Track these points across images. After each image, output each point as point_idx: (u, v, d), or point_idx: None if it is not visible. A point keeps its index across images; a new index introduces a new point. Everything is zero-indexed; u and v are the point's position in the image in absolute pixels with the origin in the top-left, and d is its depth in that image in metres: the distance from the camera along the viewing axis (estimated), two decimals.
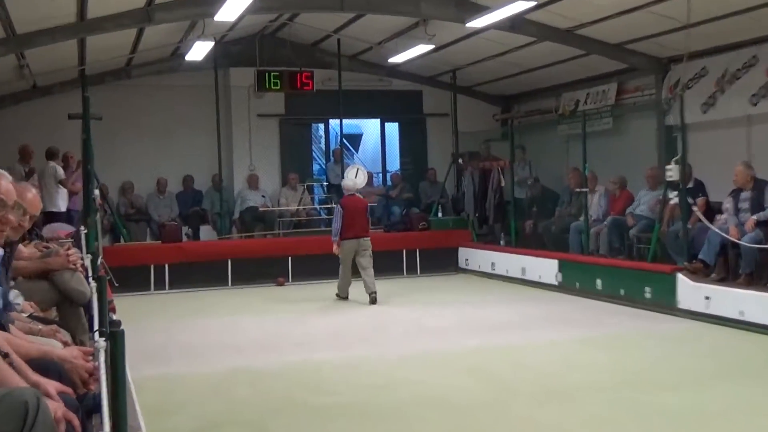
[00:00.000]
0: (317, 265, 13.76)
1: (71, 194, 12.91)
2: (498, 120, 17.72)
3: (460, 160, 16.21)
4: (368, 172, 16.31)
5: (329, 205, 15.71)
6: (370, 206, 15.84)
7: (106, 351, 3.28)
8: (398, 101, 17.32)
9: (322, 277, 13.68)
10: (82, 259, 6.02)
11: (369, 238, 11.79)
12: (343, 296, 11.87)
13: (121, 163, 15.47)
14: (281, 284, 13.68)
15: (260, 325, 10.20)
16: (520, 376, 7.07)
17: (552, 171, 15.49)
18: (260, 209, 15.38)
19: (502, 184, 14.72)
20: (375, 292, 11.44)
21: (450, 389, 6.62)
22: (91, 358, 3.54)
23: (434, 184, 16.75)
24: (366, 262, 11.58)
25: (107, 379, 3.07)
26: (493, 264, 14.23)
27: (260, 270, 13.91)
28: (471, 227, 15.44)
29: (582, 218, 12.40)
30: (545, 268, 12.71)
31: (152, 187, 15.65)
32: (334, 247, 11.69)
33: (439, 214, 15.86)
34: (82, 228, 9.79)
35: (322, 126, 17.93)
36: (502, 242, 14.55)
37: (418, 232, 15.25)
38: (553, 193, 14.62)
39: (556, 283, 12.45)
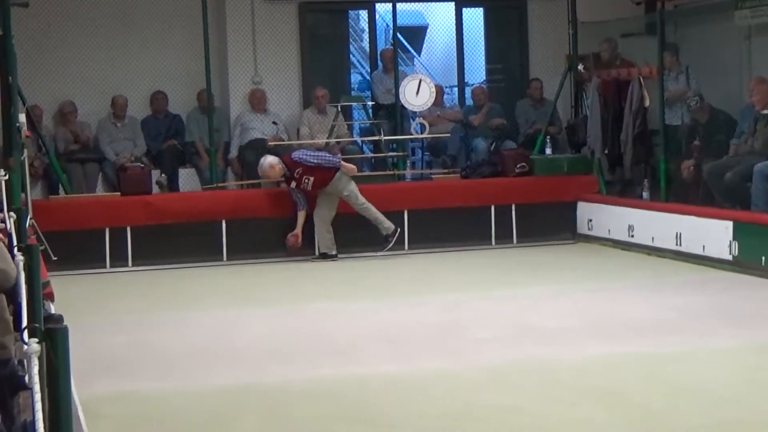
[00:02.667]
0: (356, 229, 13.82)
1: None
2: (640, 3, 17.42)
3: (581, 67, 16.02)
4: (436, 87, 16.24)
5: (375, 138, 15.65)
6: (441, 139, 15.91)
7: (40, 359, 3.30)
8: None
9: (367, 246, 13.69)
10: (2, 221, 6.08)
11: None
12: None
13: (58, 73, 15.54)
14: (294, 245, 13.74)
15: (273, 321, 10.25)
16: (675, 403, 7.03)
17: (724, 83, 15.24)
18: (270, 143, 15.39)
19: (646, 104, 14.54)
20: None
21: (565, 424, 6.60)
22: None
23: (539, 105, 16.60)
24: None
25: (43, 400, 3.09)
26: (631, 228, 14.17)
27: (270, 237, 13.96)
28: (597, 171, 15.33)
29: None
30: (712, 234, 12.62)
31: (105, 111, 15.75)
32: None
33: (548, 151, 15.73)
34: (1, 172, 9.89)
35: (365, 14, 17.83)
36: (644, 195, 14.46)
37: (514, 178, 15.17)
38: (726, 118, 14.40)
39: (729, 257, 12.36)
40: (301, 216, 13.70)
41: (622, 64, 15.24)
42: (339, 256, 13.81)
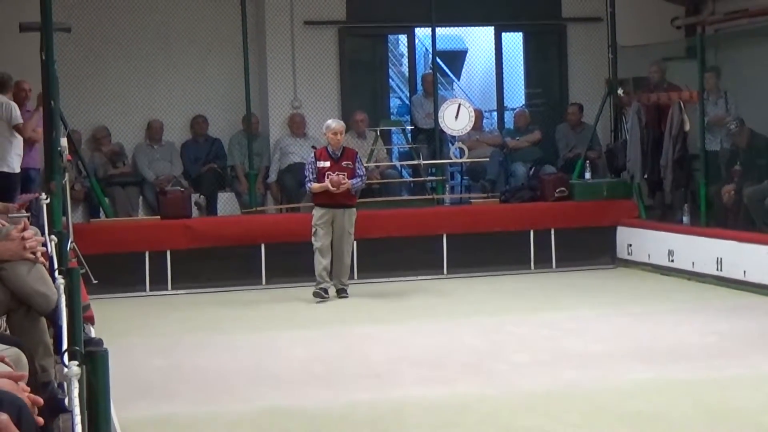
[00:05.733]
0: (396, 253, 13.81)
1: (28, 145, 13.08)
2: (681, 27, 17.38)
3: (621, 91, 15.98)
4: (476, 111, 16.24)
5: (415, 162, 15.67)
6: (480, 164, 15.86)
7: (80, 381, 3.31)
8: None
9: (410, 271, 13.69)
10: (45, 243, 6.10)
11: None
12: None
13: (98, 98, 15.64)
14: (338, 186, 12.72)
15: (311, 345, 10.26)
16: (719, 429, 7.02)
17: (766, 108, 15.15)
18: None
19: (687, 128, 14.48)
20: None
21: None
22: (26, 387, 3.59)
23: (578, 129, 16.56)
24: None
25: (83, 422, 3.10)
26: (671, 253, 14.10)
27: (309, 261, 13.94)
28: (637, 196, 15.28)
29: None
30: (753, 259, 12.56)
31: (144, 135, 15.84)
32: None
33: (587, 175, 15.69)
34: (43, 196, 9.95)
35: (404, 38, 17.87)
36: (685, 219, 14.39)
37: (553, 202, 15.15)
38: (766, 143, 14.31)
39: None
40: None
41: (669, 88, 15.17)
42: (377, 280, 13.78)
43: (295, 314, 12.07)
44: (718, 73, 15.07)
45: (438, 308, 12.16)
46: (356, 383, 8.53)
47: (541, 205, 15.13)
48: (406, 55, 17.87)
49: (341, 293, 12.81)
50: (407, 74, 17.87)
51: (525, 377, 8.64)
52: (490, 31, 17.71)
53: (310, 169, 12.83)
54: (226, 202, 15.69)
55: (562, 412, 7.51)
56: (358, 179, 12.88)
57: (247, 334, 10.85)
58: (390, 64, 18.09)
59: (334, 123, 13.08)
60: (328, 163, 12.74)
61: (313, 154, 12.97)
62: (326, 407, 7.75)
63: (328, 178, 12.57)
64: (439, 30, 16.23)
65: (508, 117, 17.50)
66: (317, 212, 12.79)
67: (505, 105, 17.69)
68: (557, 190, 15.21)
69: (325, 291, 12.63)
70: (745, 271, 12.70)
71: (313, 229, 12.73)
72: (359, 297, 12.94)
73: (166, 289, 13.66)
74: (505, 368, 9.02)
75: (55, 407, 5.36)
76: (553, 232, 14.93)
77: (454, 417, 7.47)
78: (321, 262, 12.72)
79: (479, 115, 16.60)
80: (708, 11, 17.10)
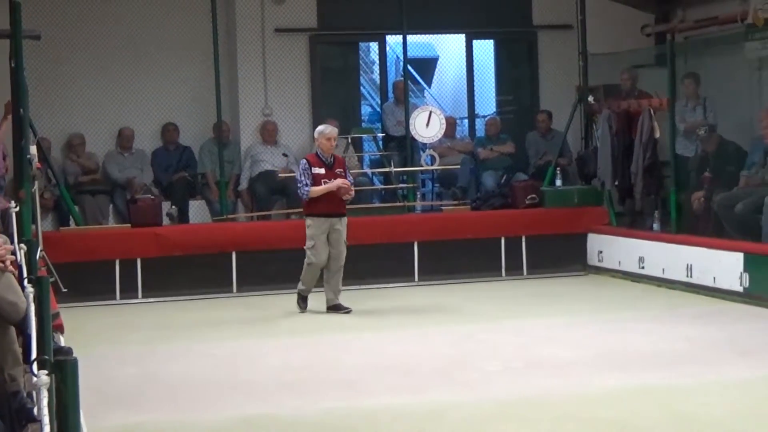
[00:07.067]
0: (367, 261, 13.79)
1: None
2: (651, 35, 17.45)
3: (591, 99, 16.03)
4: (450, 119, 16.25)
5: (386, 169, 15.67)
6: (451, 171, 15.87)
7: (49, 390, 3.29)
8: (493, 7, 17.18)
9: (381, 279, 13.71)
10: (14, 252, 6.07)
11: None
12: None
13: (69, 105, 15.59)
14: (347, 192, 12.36)
15: (283, 353, 10.25)
16: None
17: (735, 114, 15.22)
18: (280, 175, 15.42)
19: (657, 135, 14.55)
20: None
21: None
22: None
23: (549, 136, 16.60)
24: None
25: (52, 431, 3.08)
26: (641, 260, 14.17)
27: (280, 269, 13.95)
28: (608, 203, 15.34)
29: None
30: (723, 266, 12.61)
31: (115, 143, 15.78)
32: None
33: (558, 183, 15.73)
34: (12, 204, 9.90)
35: (375, 46, 17.89)
36: (655, 226, 14.45)
37: (524, 209, 15.19)
38: (736, 149, 14.38)
39: (740, 289, 12.36)
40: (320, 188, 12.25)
41: (639, 95, 15.22)
42: (348, 288, 13.73)
43: (267, 322, 12.06)
44: (697, 79, 15.11)
45: (409, 316, 12.17)
46: (328, 391, 8.51)
47: (512, 213, 15.17)
48: (378, 62, 17.88)
49: (343, 309, 12.26)
50: (378, 82, 17.88)
51: (496, 384, 8.63)
52: (461, 38, 17.75)
53: (306, 175, 12.18)
54: (197, 210, 15.65)
55: (533, 419, 7.50)
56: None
57: (219, 343, 10.81)
58: (361, 72, 18.10)
59: (328, 128, 12.62)
60: (323, 170, 12.26)
61: (305, 161, 12.39)
62: (298, 415, 7.73)
63: (325, 184, 12.08)
64: (410, 37, 16.26)
65: (480, 124, 17.53)
66: (315, 222, 12.19)
67: (476, 112, 17.73)
68: (528, 197, 15.25)
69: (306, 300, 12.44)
70: (714, 278, 12.77)
71: (311, 242, 12.15)
72: None
73: (137, 298, 13.63)
74: (477, 375, 9.00)
75: (25, 417, 5.33)
76: (524, 239, 14.98)
77: (426, 424, 7.45)
78: (314, 279, 12.32)
79: (453, 122, 16.66)
80: (678, 19, 17.17)
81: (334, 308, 12.27)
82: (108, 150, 15.74)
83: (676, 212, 14.09)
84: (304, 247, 12.25)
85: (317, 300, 12.67)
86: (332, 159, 12.45)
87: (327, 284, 12.34)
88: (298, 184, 12.28)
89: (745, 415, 7.46)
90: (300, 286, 12.40)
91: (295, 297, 12.48)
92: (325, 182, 12.11)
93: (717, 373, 8.84)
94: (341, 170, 12.43)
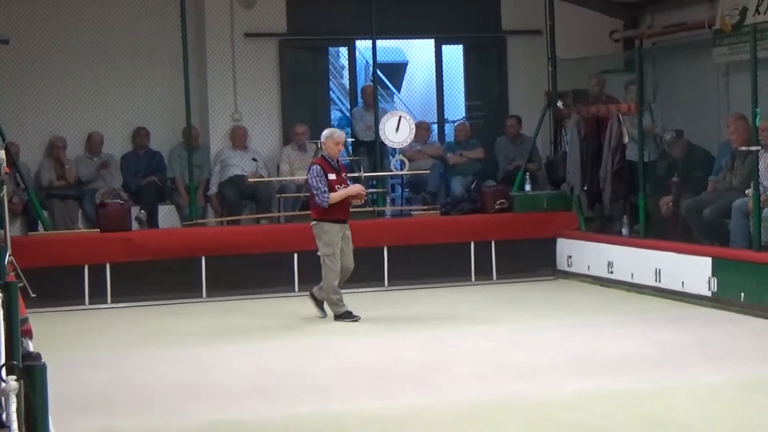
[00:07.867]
0: None
1: None
2: (619, 40, 17.53)
3: (560, 104, 16.08)
4: (422, 124, 16.26)
5: (355, 174, 15.68)
6: (421, 176, 15.87)
7: (18, 396, 3.28)
8: (463, 11, 17.21)
9: (350, 284, 13.65)
10: None
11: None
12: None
13: (38, 110, 15.51)
14: (363, 198, 12.52)
15: (253, 358, 10.22)
16: None
17: (703, 120, 15.30)
18: (250, 179, 15.40)
19: (625, 140, 14.58)
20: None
21: None
22: None
23: (518, 141, 16.64)
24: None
25: None
26: (610, 264, 14.22)
27: (250, 273, 13.93)
28: (577, 207, 15.39)
29: (750, 192, 12.26)
30: (692, 270, 12.68)
31: (82, 147, 15.73)
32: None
33: (527, 188, 15.78)
34: None
35: (344, 50, 17.87)
36: (624, 231, 14.50)
37: (493, 214, 15.23)
38: (703, 155, 14.45)
39: (708, 293, 12.42)
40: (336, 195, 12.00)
41: (608, 100, 15.27)
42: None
43: (237, 327, 12.02)
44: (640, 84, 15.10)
45: (379, 321, 12.15)
46: (298, 396, 8.49)
47: (481, 217, 15.20)
48: (347, 67, 17.88)
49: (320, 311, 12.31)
50: (348, 86, 17.89)
51: (466, 389, 8.64)
52: (430, 43, 17.79)
53: (322, 182, 11.84)
54: (167, 215, 15.60)
55: (503, 423, 7.51)
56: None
57: (189, 348, 10.78)
58: (330, 77, 18.07)
59: (337, 132, 12.45)
60: (333, 176, 12.03)
61: (319, 167, 11.96)
62: (268, 420, 7.72)
63: (337, 189, 11.89)
64: (379, 42, 16.25)
65: (449, 129, 17.56)
66: (332, 228, 11.93)
67: (445, 117, 17.75)
68: (497, 202, 15.28)
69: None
70: (683, 282, 12.83)
71: (329, 249, 11.91)
72: (299, 308, 12.90)
73: (106, 303, 13.58)
74: (447, 380, 9.01)
75: None
76: (493, 243, 15.00)
77: (397, 429, 7.46)
78: (336, 284, 12.07)
79: (427, 127, 16.69)
80: (646, 25, 17.27)
81: (316, 301, 12.26)
82: (77, 155, 15.68)
83: (645, 217, 14.12)
84: (320, 254, 12.02)
85: (291, 304, 12.68)
86: (338, 163, 12.36)
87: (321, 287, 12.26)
88: (315, 191, 11.91)
89: (713, 419, 7.49)
90: (333, 298, 12.05)
91: (266, 301, 12.46)
92: (338, 188, 11.95)
93: (686, 377, 8.87)
94: (345, 174, 12.45)
